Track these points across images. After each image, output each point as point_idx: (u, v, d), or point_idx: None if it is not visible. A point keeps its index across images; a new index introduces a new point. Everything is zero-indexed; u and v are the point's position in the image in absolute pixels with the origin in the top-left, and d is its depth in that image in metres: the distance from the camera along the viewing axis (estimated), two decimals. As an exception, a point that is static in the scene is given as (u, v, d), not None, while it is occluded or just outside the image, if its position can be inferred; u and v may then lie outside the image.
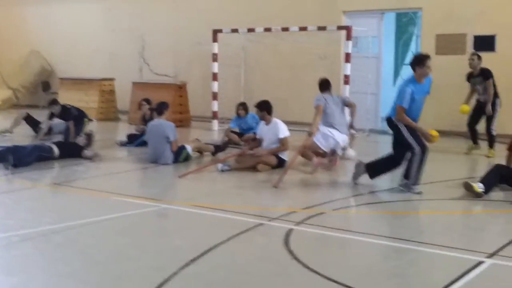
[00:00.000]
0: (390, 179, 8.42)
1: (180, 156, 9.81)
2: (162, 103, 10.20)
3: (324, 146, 9.59)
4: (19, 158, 9.30)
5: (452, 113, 12.07)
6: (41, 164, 9.61)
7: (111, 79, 16.94)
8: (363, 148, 11.34)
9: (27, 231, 6.07)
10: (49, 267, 5.16)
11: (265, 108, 9.55)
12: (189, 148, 10.00)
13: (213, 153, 10.44)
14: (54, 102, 12.03)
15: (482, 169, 9.53)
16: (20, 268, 5.11)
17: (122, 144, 11.74)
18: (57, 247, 5.65)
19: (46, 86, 19.57)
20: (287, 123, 9.94)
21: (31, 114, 13.17)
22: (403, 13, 15.85)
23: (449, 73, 12.56)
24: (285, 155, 9.44)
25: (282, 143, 9.38)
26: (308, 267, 4.98)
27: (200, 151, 10.37)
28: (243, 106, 11.98)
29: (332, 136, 9.59)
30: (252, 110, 10.97)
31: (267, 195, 8.15)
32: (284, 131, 9.42)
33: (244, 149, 9.84)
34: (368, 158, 8.67)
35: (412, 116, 7.71)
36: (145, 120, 12.00)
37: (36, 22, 20.10)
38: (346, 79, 12.66)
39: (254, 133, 11.60)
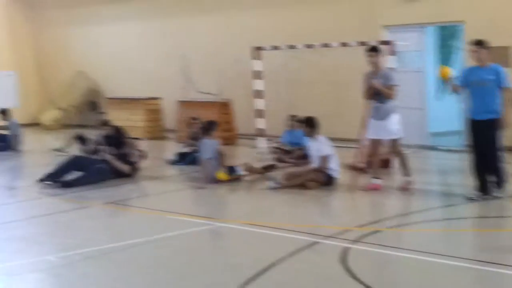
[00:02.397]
0: (444, 197, 8.42)
1: (231, 175, 9.97)
2: (211, 122, 10.32)
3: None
4: (76, 181, 9.67)
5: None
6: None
7: (157, 98, 17.20)
8: (411, 165, 11.27)
9: (88, 250, 6.25)
10: (110, 286, 5.32)
11: (310, 124, 9.57)
12: (239, 168, 10.16)
13: (262, 173, 10.51)
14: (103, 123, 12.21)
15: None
16: (82, 287, 5.27)
17: (172, 163, 11.88)
18: (117, 266, 5.82)
19: (93, 106, 19.99)
20: (330, 140, 9.91)
21: (81, 133, 13.47)
22: (444, 26, 15.76)
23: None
24: (336, 172, 9.47)
25: (322, 161, 9.40)
26: (369, 287, 5.02)
27: (250, 170, 10.44)
28: (293, 117, 12.05)
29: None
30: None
31: (318, 212, 8.23)
32: (325, 149, 9.37)
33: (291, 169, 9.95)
34: (417, 177, 8.73)
35: None
36: (194, 138, 12.18)
37: (81, 42, 20.57)
38: (391, 95, 12.66)
39: (301, 148, 11.68)
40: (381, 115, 8.84)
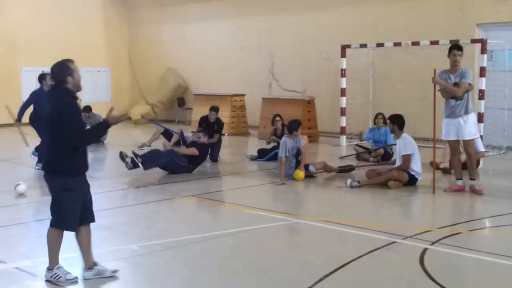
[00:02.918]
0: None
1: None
2: (294, 121, 10.26)
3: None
4: (151, 159, 10.14)
5: None
6: (178, 176, 10.15)
7: (242, 95, 17.45)
8: (500, 167, 10.86)
9: (168, 240, 6.42)
10: (188, 276, 5.43)
11: (396, 122, 9.41)
12: (312, 167, 10.10)
13: (338, 172, 10.41)
14: (215, 109, 12.55)
15: None
16: (161, 276, 5.42)
17: (253, 159, 12.04)
18: (195, 257, 5.93)
19: (181, 102, 20.53)
20: (416, 139, 9.68)
21: (168, 128, 13.83)
22: (543, 24, 15.01)
23: None
24: (418, 172, 9.24)
25: (403, 161, 9.18)
26: (444, 288, 4.89)
27: (325, 169, 10.36)
28: (381, 115, 11.91)
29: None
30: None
31: (398, 212, 8.06)
32: (406, 148, 9.17)
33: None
34: (504, 179, 8.32)
35: None
36: (276, 135, 12.27)
37: (171, 41, 21.17)
38: (481, 94, 12.21)
39: (385, 147, 11.51)
40: (457, 113, 8.60)
